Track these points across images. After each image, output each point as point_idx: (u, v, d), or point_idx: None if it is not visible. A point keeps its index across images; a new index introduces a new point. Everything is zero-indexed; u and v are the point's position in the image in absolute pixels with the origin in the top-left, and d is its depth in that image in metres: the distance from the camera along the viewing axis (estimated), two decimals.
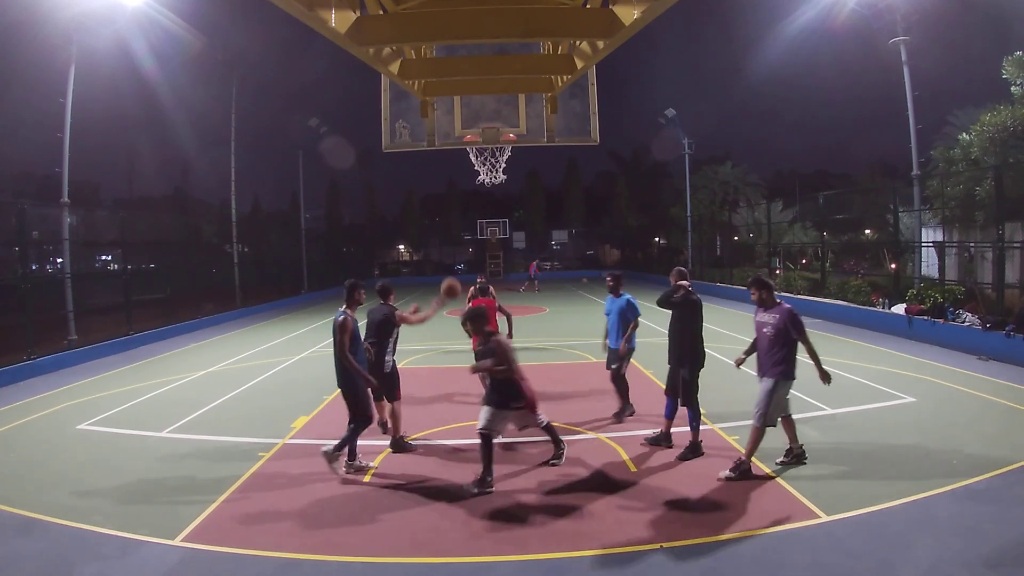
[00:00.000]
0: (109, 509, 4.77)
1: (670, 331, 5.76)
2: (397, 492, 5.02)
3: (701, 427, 5.77)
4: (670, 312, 5.72)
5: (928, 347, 10.65)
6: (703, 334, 5.68)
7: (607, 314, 6.86)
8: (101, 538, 4.30)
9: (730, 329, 13.65)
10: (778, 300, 5.28)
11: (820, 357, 5.10)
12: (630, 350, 6.68)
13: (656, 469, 5.37)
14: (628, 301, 6.67)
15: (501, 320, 7.81)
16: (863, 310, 13.69)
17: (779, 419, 5.26)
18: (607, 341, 6.87)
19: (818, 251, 18.63)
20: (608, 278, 6.95)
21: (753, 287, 5.33)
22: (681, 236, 30.44)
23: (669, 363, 5.81)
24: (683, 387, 5.64)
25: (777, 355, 5.09)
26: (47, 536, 4.36)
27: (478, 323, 5.54)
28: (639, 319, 6.64)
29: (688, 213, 28.95)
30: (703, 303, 5.75)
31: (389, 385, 5.96)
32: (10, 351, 10.38)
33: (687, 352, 5.60)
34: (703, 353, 5.68)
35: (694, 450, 5.64)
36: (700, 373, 5.68)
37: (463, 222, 44.66)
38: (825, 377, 5.16)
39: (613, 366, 6.78)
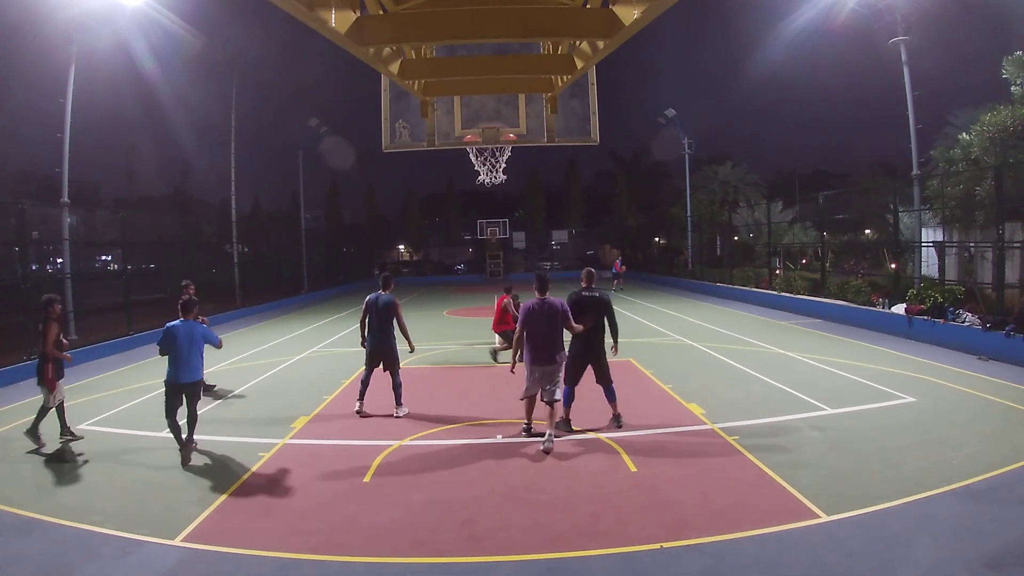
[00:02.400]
0: (109, 509, 4.76)
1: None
2: (397, 492, 5.02)
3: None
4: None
5: (928, 347, 10.64)
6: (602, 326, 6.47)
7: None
8: (101, 538, 4.29)
9: (731, 329, 13.66)
10: (546, 296, 6.03)
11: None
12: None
13: (656, 469, 5.36)
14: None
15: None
16: (863, 310, 13.68)
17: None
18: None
19: (818, 251, 18.61)
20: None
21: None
22: (681, 236, 30.45)
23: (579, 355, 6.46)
24: (603, 372, 6.54)
25: None
26: (47, 536, 4.36)
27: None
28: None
29: (688, 213, 28.96)
30: (610, 301, 6.62)
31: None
32: (10, 351, 10.37)
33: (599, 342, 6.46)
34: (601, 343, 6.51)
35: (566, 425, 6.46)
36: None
37: (463, 222, 44.61)
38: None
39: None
